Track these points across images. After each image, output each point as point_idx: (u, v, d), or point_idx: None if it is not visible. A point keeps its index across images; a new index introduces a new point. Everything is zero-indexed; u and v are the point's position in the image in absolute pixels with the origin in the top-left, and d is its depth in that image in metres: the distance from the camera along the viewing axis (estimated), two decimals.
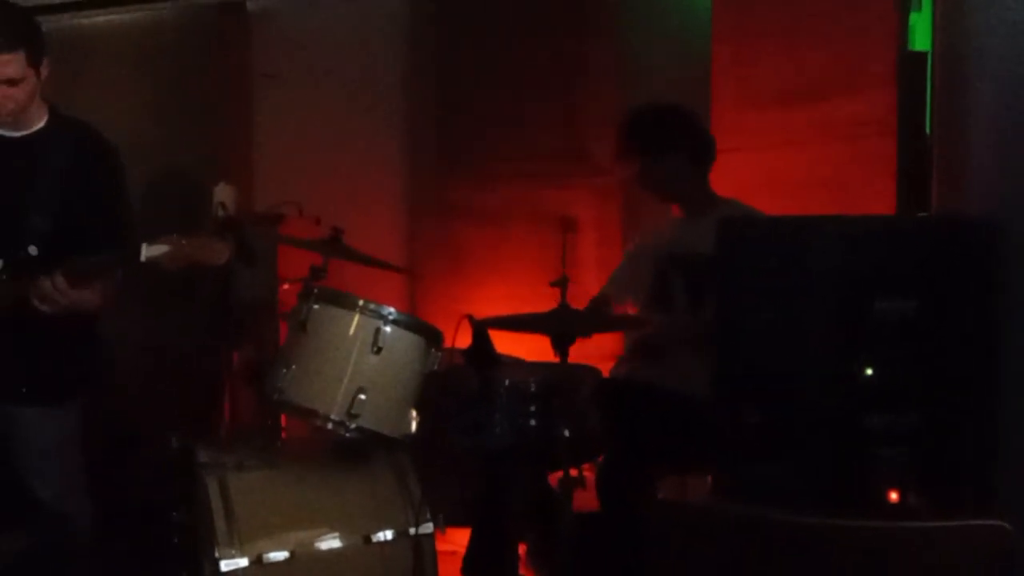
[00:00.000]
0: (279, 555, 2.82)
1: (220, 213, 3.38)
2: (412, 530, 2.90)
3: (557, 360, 2.77)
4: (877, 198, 3.28)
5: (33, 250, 2.73)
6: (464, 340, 2.80)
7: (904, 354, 2.20)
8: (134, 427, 3.95)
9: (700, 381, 2.88)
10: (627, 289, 3.39)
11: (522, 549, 3.09)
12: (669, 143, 3.23)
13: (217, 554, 2.77)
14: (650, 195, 3.37)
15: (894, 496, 2.17)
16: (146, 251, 2.57)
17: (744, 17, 3.83)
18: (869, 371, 2.18)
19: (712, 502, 2.63)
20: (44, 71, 2.79)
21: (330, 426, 2.92)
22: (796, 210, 3.11)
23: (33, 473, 2.84)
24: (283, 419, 3.76)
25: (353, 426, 2.90)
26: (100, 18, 4.75)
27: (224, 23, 4.64)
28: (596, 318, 3.11)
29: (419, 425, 2.99)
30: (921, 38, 3.12)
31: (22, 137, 2.85)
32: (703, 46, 3.95)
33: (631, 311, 3.36)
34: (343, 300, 2.99)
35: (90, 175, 2.82)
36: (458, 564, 3.13)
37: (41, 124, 2.86)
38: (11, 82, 2.70)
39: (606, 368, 3.28)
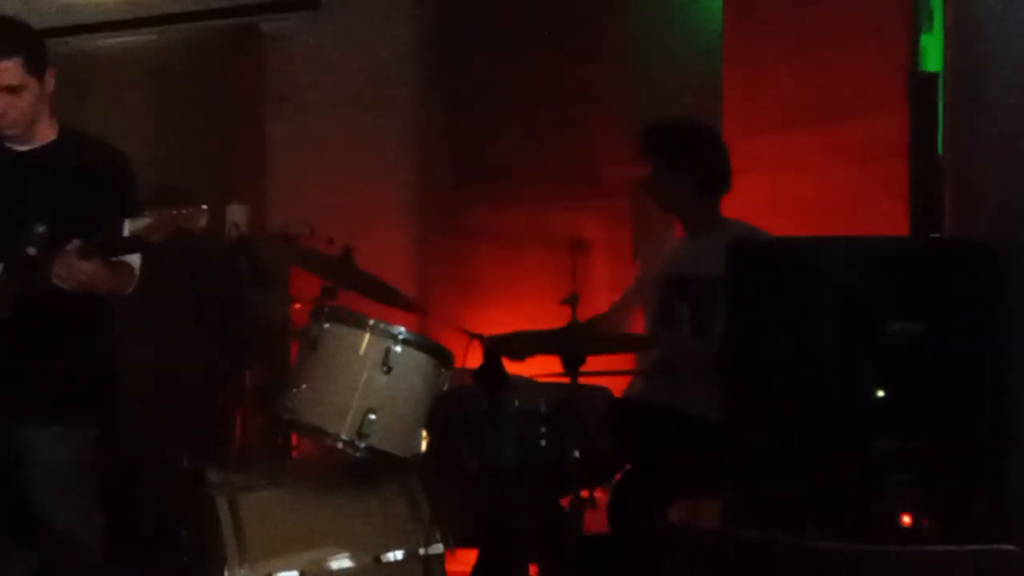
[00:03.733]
0: (289, 575, 2.81)
1: (233, 233, 3.40)
2: (422, 550, 2.90)
3: (568, 380, 2.77)
4: (888, 221, 3.27)
5: (32, 251, 2.75)
6: (474, 360, 2.80)
7: (915, 377, 2.19)
8: (145, 447, 3.95)
9: (711, 403, 2.88)
10: (625, 310, 3.39)
11: (533, 570, 3.08)
12: (685, 162, 3.23)
13: (227, 574, 2.78)
14: (654, 204, 3.36)
15: (906, 520, 2.15)
16: (130, 225, 2.60)
17: (754, 40, 3.84)
18: (880, 393, 2.17)
19: (723, 526, 2.62)
20: (49, 82, 2.81)
21: (340, 446, 2.92)
22: (807, 233, 3.10)
23: (45, 494, 2.84)
24: (293, 438, 3.76)
25: (363, 446, 2.90)
26: (113, 40, 4.80)
27: (237, 45, 4.68)
28: (604, 338, 3.10)
29: (429, 445, 2.99)
30: (932, 59, 3.12)
31: (30, 151, 2.87)
32: (714, 69, 3.96)
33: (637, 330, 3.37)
34: (354, 320, 3.00)
35: (99, 183, 2.84)
36: None
37: (51, 139, 2.89)
38: (11, 89, 2.73)
39: (616, 388, 3.27)
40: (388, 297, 3.44)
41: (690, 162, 3.22)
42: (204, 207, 2.67)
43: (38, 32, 2.85)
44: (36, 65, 2.77)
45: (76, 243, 2.65)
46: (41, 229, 2.77)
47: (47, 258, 2.69)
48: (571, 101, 4.34)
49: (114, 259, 2.76)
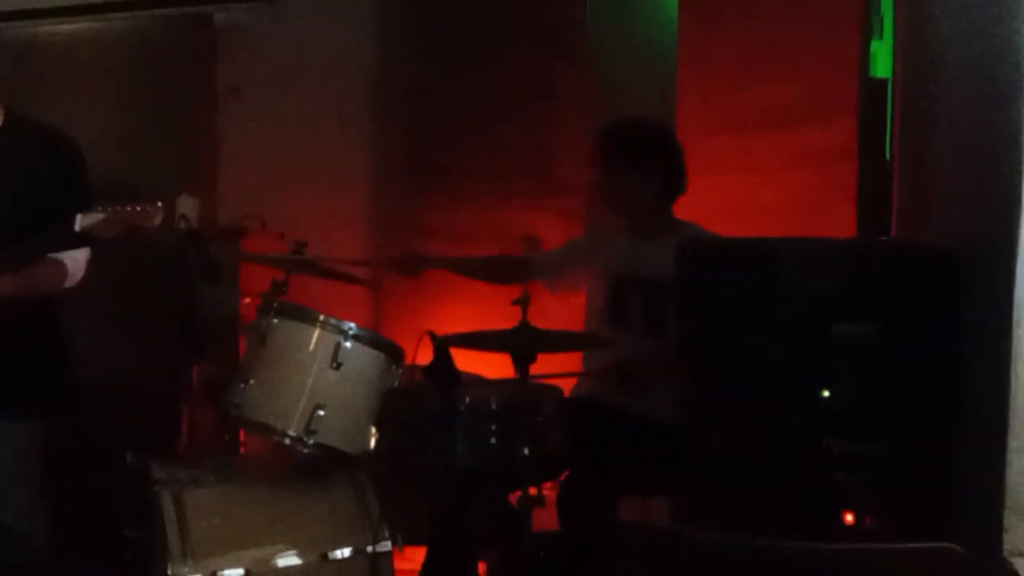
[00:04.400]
0: (234, 572, 2.78)
1: (182, 225, 3.36)
2: (370, 548, 2.87)
3: (518, 377, 2.76)
4: (841, 223, 3.30)
5: None
6: (425, 357, 2.78)
7: (865, 378, 2.21)
8: (92, 444, 3.88)
9: (662, 403, 2.89)
10: (557, 275, 3.42)
11: (481, 568, 3.07)
12: (644, 162, 3.21)
13: (170, 571, 2.73)
14: (607, 206, 3.35)
15: (849, 519, 2.17)
16: (81, 221, 2.54)
17: (709, 43, 3.87)
18: (826, 393, 2.19)
19: (672, 525, 2.63)
20: None
21: (288, 442, 2.89)
22: (761, 235, 3.12)
23: None
24: (241, 434, 3.72)
25: (311, 442, 2.87)
26: (65, 26, 4.71)
27: (191, 35, 4.62)
28: (556, 337, 3.10)
29: (378, 442, 2.97)
30: (882, 65, 3.16)
31: None
32: (671, 69, 3.98)
33: (556, 295, 3.40)
34: (303, 315, 2.97)
35: (48, 170, 2.77)
36: None
37: None
38: None
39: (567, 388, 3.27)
40: (339, 276, 3.44)
41: (649, 165, 3.21)
42: (159, 204, 2.62)
43: None
44: None
45: None
46: None
47: None
48: (527, 100, 4.34)
49: (51, 256, 2.70)
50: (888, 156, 2.89)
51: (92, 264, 2.82)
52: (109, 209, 2.56)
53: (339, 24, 4.56)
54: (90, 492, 3.74)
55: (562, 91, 4.28)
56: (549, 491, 3.18)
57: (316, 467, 2.99)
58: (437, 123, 4.46)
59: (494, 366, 3.06)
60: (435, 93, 4.48)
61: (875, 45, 3.20)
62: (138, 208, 2.59)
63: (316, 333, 2.94)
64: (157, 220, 2.61)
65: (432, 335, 2.75)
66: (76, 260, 2.78)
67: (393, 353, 3.01)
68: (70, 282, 2.79)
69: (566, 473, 3.09)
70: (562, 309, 3.49)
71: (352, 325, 2.95)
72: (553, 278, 3.44)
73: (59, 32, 4.73)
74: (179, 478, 2.93)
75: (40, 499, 2.86)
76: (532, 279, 3.38)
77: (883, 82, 2.88)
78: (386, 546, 2.89)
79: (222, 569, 2.77)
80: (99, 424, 3.84)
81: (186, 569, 2.73)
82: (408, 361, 2.99)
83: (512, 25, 4.34)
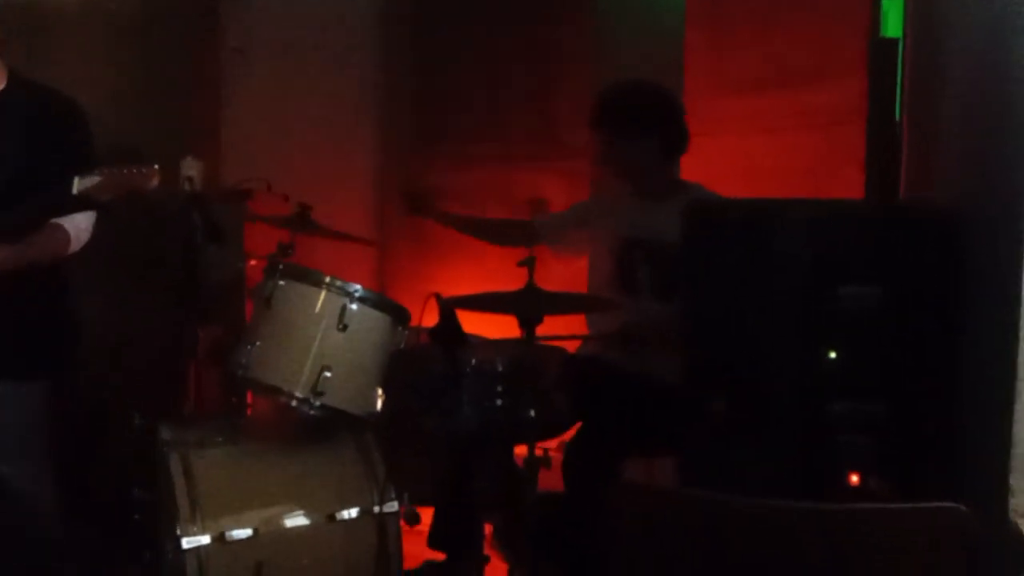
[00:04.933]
0: (242, 532, 2.80)
1: (186, 187, 3.35)
2: (377, 508, 2.89)
3: (523, 338, 2.77)
4: (849, 185, 3.28)
5: None
6: (431, 319, 2.79)
7: (868, 340, 2.21)
8: (98, 406, 3.90)
9: (667, 365, 2.89)
10: (562, 238, 3.42)
11: (487, 529, 3.09)
12: (643, 126, 3.19)
13: (179, 531, 2.75)
14: (609, 171, 3.34)
15: (854, 479, 2.18)
16: (78, 183, 2.54)
17: (718, 3, 3.83)
18: (832, 355, 2.19)
19: (675, 485, 2.64)
20: None
21: (294, 404, 2.90)
22: (767, 196, 3.11)
23: None
24: (248, 396, 3.74)
25: (318, 404, 2.88)
26: None
27: None
28: (563, 299, 3.10)
29: (384, 403, 2.98)
30: (893, 25, 3.13)
31: None
32: (677, 31, 3.94)
33: (560, 259, 3.40)
34: (309, 276, 2.97)
35: (50, 133, 2.76)
36: (422, 543, 3.13)
37: (0, 87, 2.80)
38: None
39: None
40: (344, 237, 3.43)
41: (652, 126, 3.19)
42: (156, 166, 2.61)
43: None
44: None
45: None
46: None
47: None
48: (533, 62, 4.31)
49: (52, 221, 2.69)
50: (898, 118, 2.86)
51: (95, 227, 2.82)
52: (106, 171, 2.55)
53: None
54: (97, 453, 3.77)
55: (568, 53, 4.25)
56: (555, 452, 3.20)
57: (323, 428, 3.00)
58: (444, 84, 4.44)
59: (500, 328, 3.06)
60: (440, 55, 4.45)
61: (886, 4, 3.17)
62: (134, 170, 2.58)
63: (322, 295, 2.93)
64: (154, 183, 2.61)
65: (438, 297, 2.76)
66: (78, 225, 2.77)
67: (399, 315, 3.01)
68: (74, 246, 2.78)
69: (571, 433, 3.10)
70: (568, 271, 3.49)
71: (358, 287, 2.95)
72: (557, 241, 3.44)
73: None
74: (186, 439, 2.95)
75: (47, 460, 2.88)
76: (536, 243, 3.38)
77: (893, 42, 2.85)
78: (393, 506, 2.91)
79: (230, 529, 2.78)
80: (105, 386, 3.87)
81: (195, 529, 2.75)
82: (414, 323, 2.99)
83: None
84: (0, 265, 2.64)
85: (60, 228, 2.74)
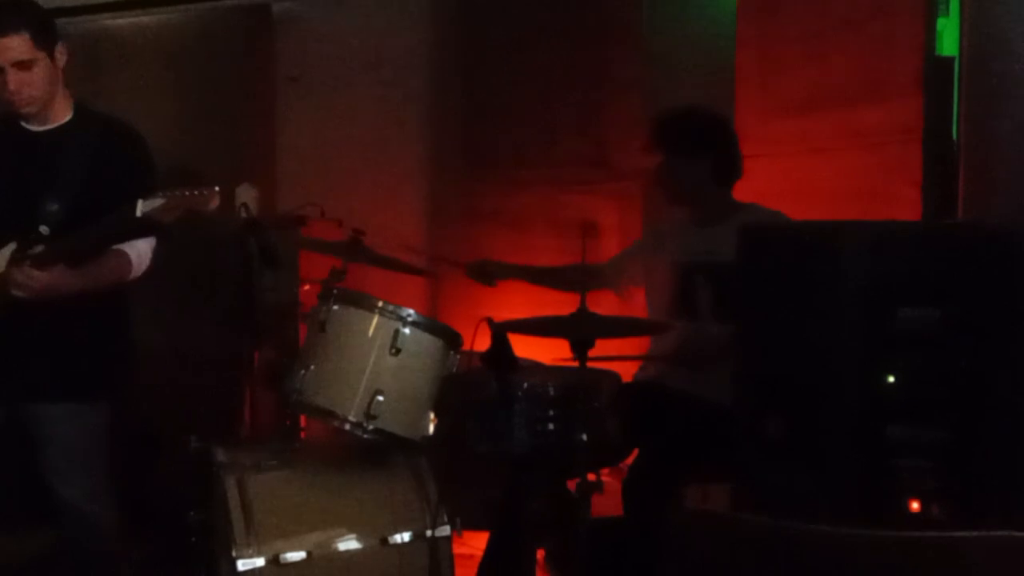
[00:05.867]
0: (296, 555, 2.82)
1: (242, 214, 3.40)
2: (429, 532, 2.89)
3: (575, 363, 2.76)
4: (903, 206, 3.24)
5: (45, 229, 2.75)
6: (483, 343, 2.79)
7: (929, 363, 2.17)
8: (155, 428, 3.96)
9: (725, 387, 2.86)
10: (627, 276, 3.40)
11: (540, 554, 3.07)
12: (697, 147, 3.19)
13: (234, 553, 2.78)
14: (664, 195, 3.34)
15: (915, 506, 2.14)
16: (142, 206, 2.59)
17: (768, 24, 3.81)
18: (891, 379, 2.15)
19: (735, 511, 2.61)
20: (61, 57, 2.80)
21: (348, 427, 2.91)
22: (822, 218, 3.08)
23: (59, 472, 2.84)
24: (302, 420, 3.76)
25: (371, 427, 2.89)
26: (125, 20, 4.79)
27: (249, 25, 4.67)
28: (615, 323, 3.09)
29: (437, 428, 2.98)
30: (949, 43, 3.09)
31: (46, 131, 2.86)
32: (728, 53, 3.93)
33: (623, 295, 3.39)
34: (362, 301, 2.99)
35: (113, 161, 2.83)
36: (475, 567, 3.12)
37: (67, 119, 2.88)
38: (22, 65, 2.71)
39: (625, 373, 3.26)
40: (398, 266, 3.46)
41: (705, 151, 3.19)
42: (216, 188, 2.67)
43: (46, 9, 2.84)
44: (45, 40, 2.75)
45: (37, 249, 2.66)
46: (54, 208, 2.76)
47: (59, 236, 2.69)
48: (584, 85, 4.32)
49: (115, 247, 2.75)
50: (955, 137, 2.82)
51: (157, 253, 2.88)
52: (168, 195, 2.61)
53: (395, 12, 4.58)
54: (154, 475, 3.82)
55: (618, 76, 4.25)
56: (607, 477, 3.17)
57: (376, 452, 3.02)
58: (494, 108, 4.46)
59: (552, 352, 3.06)
60: (491, 80, 4.47)
61: (941, 23, 3.13)
62: (195, 192, 2.63)
63: (375, 319, 2.96)
64: (214, 204, 2.66)
65: (490, 321, 2.76)
66: (140, 252, 2.83)
67: (451, 339, 3.02)
68: (135, 272, 2.84)
69: (632, 458, 3.08)
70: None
71: (411, 311, 2.97)
72: (619, 281, 3.43)
73: (119, 25, 4.81)
74: (242, 463, 2.98)
75: (106, 480, 2.93)
76: (605, 287, 3.38)
77: (949, 60, 2.81)
78: (445, 531, 2.91)
79: (284, 552, 2.80)
80: (162, 408, 3.92)
81: (250, 551, 2.78)
82: (466, 347, 2.99)
83: (568, 10, 4.32)
84: (64, 289, 2.70)
85: (123, 254, 2.80)
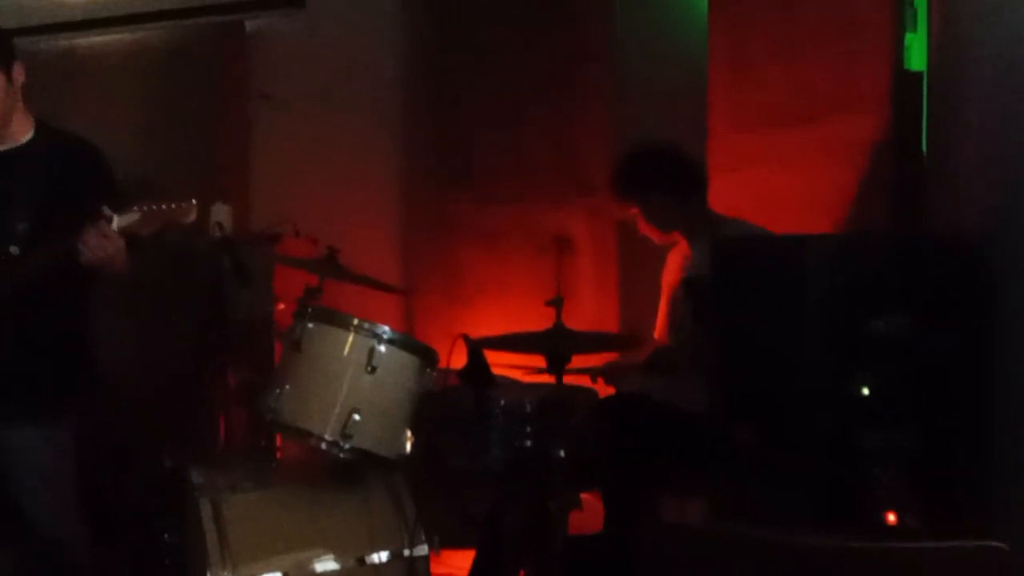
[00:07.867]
0: None
1: (216, 232, 3.38)
2: (407, 552, 2.88)
3: (552, 379, 2.76)
4: (874, 217, 3.27)
5: (15, 250, 2.72)
6: (459, 360, 2.79)
7: (898, 372, 2.19)
8: (127, 447, 3.92)
9: (696, 399, 2.88)
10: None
11: (521, 574, 3.06)
12: (652, 186, 3.25)
13: None
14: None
15: (891, 518, 2.15)
16: (118, 220, 2.58)
17: (740, 38, 3.84)
18: (864, 389, 2.17)
19: (709, 524, 2.61)
20: (18, 77, 2.77)
21: (324, 446, 2.90)
22: (794, 230, 3.10)
23: (27, 495, 2.81)
24: (278, 439, 3.74)
25: (347, 446, 2.88)
26: (97, 38, 4.76)
27: (221, 43, 4.65)
28: (590, 338, 3.10)
29: (414, 446, 2.97)
30: (917, 58, 3.13)
31: (6, 151, 2.83)
32: (699, 67, 3.96)
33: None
34: (338, 319, 2.98)
35: (76, 180, 2.80)
36: None
37: (27, 138, 2.84)
38: None
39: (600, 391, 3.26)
40: (373, 284, 3.45)
41: (661, 181, 3.24)
42: (193, 201, 2.66)
43: (2, 29, 2.82)
44: (1, 60, 2.72)
45: (108, 213, 2.60)
46: (23, 227, 2.74)
47: (30, 253, 2.66)
48: (557, 100, 4.33)
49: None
50: (923, 149, 2.86)
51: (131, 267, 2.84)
52: (144, 207, 2.59)
53: (367, 30, 4.58)
54: (125, 496, 3.78)
55: (590, 91, 4.26)
56: (586, 495, 3.17)
57: (352, 471, 3.00)
58: (467, 124, 4.47)
59: (528, 368, 3.06)
60: (464, 94, 4.48)
61: (909, 38, 3.17)
62: (172, 205, 2.62)
63: (351, 338, 2.95)
64: (192, 217, 2.66)
65: (466, 338, 2.76)
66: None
67: (427, 356, 3.01)
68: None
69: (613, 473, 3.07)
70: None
71: (386, 329, 2.96)
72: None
73: (91, 43, 4.78)
74: (217, 484, 2.95)
75: (75, 502, 2.89)
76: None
77: (918, 75, 2.85)
78: (423, 550, 2.89)
79: (260, 574, 2.78)
80: (136, 429, 3.89)
81: (226, 574, 2.75)
82: (442, 364, 2.99)
83: (540, 27, 4.34)
84: (116, 254, 2.64)
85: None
